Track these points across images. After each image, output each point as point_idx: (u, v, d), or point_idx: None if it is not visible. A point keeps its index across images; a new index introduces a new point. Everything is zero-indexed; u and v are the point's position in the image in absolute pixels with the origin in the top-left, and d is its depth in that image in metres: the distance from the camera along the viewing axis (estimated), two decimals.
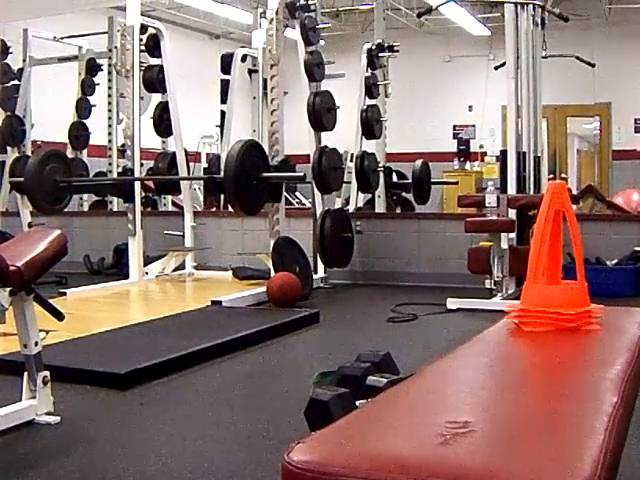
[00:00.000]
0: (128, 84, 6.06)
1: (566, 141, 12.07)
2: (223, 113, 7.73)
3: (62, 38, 8.25)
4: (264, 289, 5.15)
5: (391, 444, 1.05)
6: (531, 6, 5.46)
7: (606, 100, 11.63)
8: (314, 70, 6.03)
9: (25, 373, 2.60)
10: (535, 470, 0.93)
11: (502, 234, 5.13)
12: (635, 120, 11.78)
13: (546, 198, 1.84)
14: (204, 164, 9.56)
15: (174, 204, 7.78)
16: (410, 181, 8.04)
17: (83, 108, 8.26)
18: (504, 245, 5.15)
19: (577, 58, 8.34)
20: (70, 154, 7.78)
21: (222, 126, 7.71)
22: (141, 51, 6.30)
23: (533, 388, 1.40)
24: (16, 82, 7.83)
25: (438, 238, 6.35)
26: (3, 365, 3.19)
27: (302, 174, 5.65)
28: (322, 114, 5.96)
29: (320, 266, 6.09)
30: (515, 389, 1.38)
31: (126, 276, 6.13)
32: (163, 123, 6.76)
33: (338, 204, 7.61)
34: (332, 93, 6.15)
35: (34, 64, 7.94)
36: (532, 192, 5.41)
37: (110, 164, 7.93)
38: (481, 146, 12.09)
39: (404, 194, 8.30)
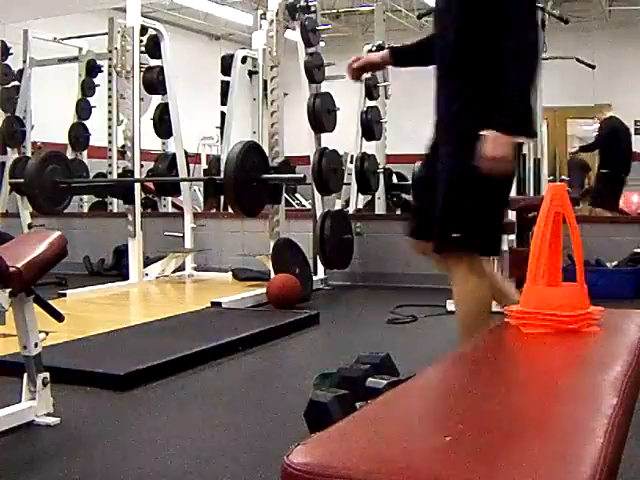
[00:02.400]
0: (128, 85, 6.06)
1: (566, 143, 12.07)
2: (223, 114, 7.74)
3: (62, 39, 8.25)
4: (264, 290, 5.15)
5: (391, 446, 1.05)
6: None
7: (606, 102, 11.62)
8: (314, 72, 6.03)
9: (25, 374, 2.60)
10: (534, 473, 0.93)
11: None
12: (635, 122, 11.77)
13: (546, 200, 1.84)
14: (204, 165, 9.58)
15: (174, 205, 7.78)
16: (410, 182, 8.04)
17: (83, 109, 8.26)
18: (504, 247, 5.15)
19: (577, 60, 8.35)
20: (70, 155, 7.79)
21: (222, 127, 7.73)
22: (141, 52, 6.30)
23: (532, 390, 1.41)
24: (16, 83, 7.83)
25: None
26: (3, 366, 3.19)
27: (302, 175, 5.65)
28: (322, 115, 5.96)
29: (320, 267, 6.09)
30: (514, 391, 1.38)
31: (126, 277, 6.12)
32: (163, 124, 6.76)
33: (338, 206, 7.61)
34: (332, 95, 6.16)
35: (34, 65, 7.94)
36: (532, 194, 5.42)
37: (110, 165, 7.93)
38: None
39: (404, 196, 8.30)
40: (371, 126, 7.26)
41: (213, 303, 4.90)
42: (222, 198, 7.06)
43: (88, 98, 8.27)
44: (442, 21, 2.63)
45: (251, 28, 8.68)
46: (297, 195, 10.46)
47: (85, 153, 8.32)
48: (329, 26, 7.97)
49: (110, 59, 7.54)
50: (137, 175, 6.12)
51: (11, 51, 7.74)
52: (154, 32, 6.51)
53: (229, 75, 7.57)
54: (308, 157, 5.96)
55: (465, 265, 2.49)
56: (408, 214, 2.92)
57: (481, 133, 2.38)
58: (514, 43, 2.38)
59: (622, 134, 8.39)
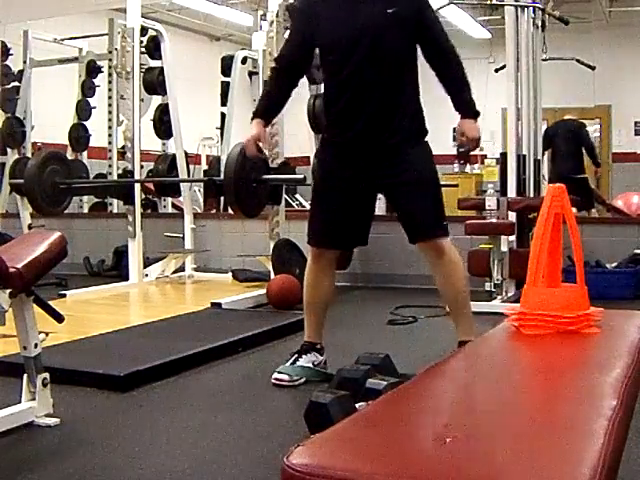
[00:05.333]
0: (128, 86, 6.06)
1: None
2: (223, 115, 7.73)
3: (62, 40, 8.25)
4: (264, 291, 5.14)
5: (391, 447, 1.05)
6: (531, 9, 5.46)
7: (606, 103, 11.63)
8: (314, 72, 6.02)
9: (25, 375, 2.60)
10: (534, 474, 0.93)
11: (502, 237, 5.13)
12: (635, 123, 11.78)
13: (546, 201, 1.84)
14: (204, 166, 9.56)
15: (174, 206, 7.78)
16: None
17: (83, 110, 8.25)
18: (504, 248, 5.15)
19: (577, 61, 8.34)
20: (70, 156, 7.78)
21: (222, 128, 7.71)
22: (141, 53, 6.30)
23: (533, 391, 1.41)
24: (16, 84, 7.83)
25: None
26: (3, 366, 3.20)
27: (302, 176, 5.65)
28: (322, 116, 5.95)
29: None
30: (514, 392, 1.38)
31: (126, 278, 6.12)
32: (163, 125, 6.76)
33: None
34: None
35: (34, 66, 7.93)
36: (532, 195, 5.42)
37: (110, 166, 7.92)
38: (481, 149, 12.06)
39: None
40: None
41: (213, 304, 4.90)
42: (222, 199, 7.05)
43: (88, 99, 8.26)
44: (376, 46, 3.02)
45: (251, 29, 8.65)
46: (297, 196, 10.44)
47: (85, 154, 8.31)
48: None
49: (110, 60, 7.54)
50: (137, 176, 6.12)
51: (11, 51, 7.73)
52: (154, 33, 6.51)
53: (229, 76, 7.55)
54: (308, 158, 5.96)
55: (450, 243, 3.19)
56: (323, 229, 3.25)
57: (461, 120, 3.15)
58: (451, 47, 3.11)
59: (556, 136, 8.28)
